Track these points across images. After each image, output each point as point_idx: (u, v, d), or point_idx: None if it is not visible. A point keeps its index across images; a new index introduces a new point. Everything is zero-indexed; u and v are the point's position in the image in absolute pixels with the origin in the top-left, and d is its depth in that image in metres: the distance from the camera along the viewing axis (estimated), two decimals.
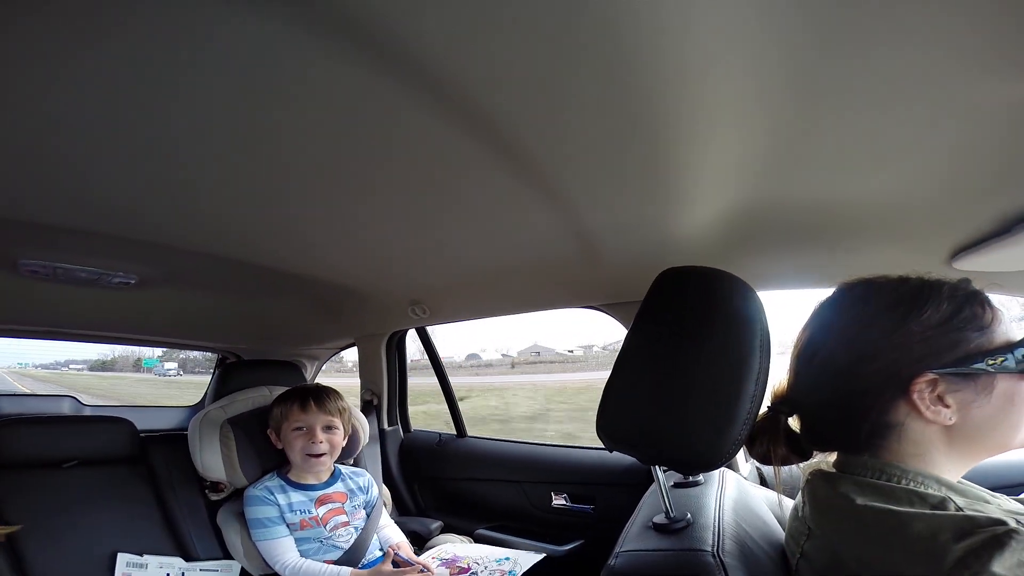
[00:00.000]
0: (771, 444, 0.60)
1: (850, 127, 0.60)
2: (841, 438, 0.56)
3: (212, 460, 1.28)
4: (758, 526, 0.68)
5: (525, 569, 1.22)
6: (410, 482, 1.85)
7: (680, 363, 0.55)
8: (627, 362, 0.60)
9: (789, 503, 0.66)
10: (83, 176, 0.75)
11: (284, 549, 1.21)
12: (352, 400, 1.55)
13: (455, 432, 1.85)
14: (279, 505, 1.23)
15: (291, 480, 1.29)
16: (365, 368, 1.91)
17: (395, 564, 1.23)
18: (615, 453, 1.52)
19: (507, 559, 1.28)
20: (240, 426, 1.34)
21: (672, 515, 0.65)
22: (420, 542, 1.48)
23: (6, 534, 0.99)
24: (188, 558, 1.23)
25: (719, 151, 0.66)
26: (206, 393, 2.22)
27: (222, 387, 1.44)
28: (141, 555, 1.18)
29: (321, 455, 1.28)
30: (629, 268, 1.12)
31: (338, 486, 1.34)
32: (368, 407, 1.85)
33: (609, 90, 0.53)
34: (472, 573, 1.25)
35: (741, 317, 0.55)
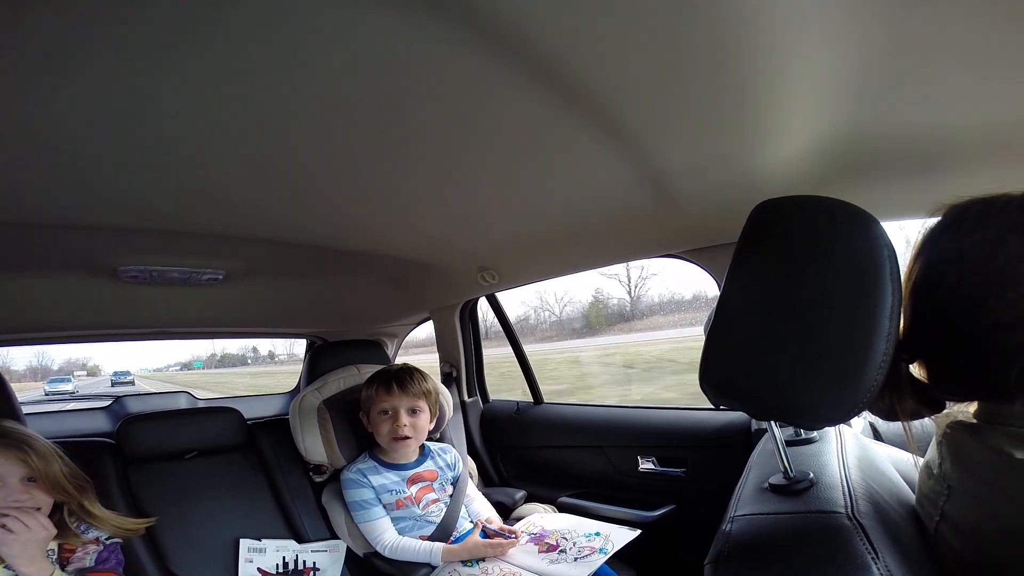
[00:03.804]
0: (895, 397, 0.53)
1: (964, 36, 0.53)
2: (983, 384, 0.49)
3: (312, 443, 1.35)
4: (886, 485, 0.62)
5: (618, 548, 1.13)
6: (492, 452, 1.87)
7: (795, 302, 0.48)
8: (730, 307, 0.53)
9: (920, 461, 0.60)
10: (173, 178, 0.78)
11: (382, 529, 1.25)
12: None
13: (532, 400, 1.85)
14: (373, 487, 1.27)
15: (383, 460, 1.32)
16: (442, 340, 1.94)
17: (485, 535, 1.24)
18: (707, 412, 1.44)
19: (597, 534, 1.21)
20: (335, 407, 1.40)
21: (791, 475, 0.60)
22: (505, 512, 1.49)
23: (146, 527, 1.09)
24: (300, 540, 1.30)
25: (806, 74, 0.60)
26: (300, 378, 2.35)
27: (314, 370, 1.51)
28: (260, 540, 1.26)
29: (406, 438, 1.28)
30: (714, 210, 1.05)
31: (428, 464, 1.36)
32: (448, 380, 1.88)
33: (677, 14, 0.48)
34: (560, 551, 1.18)
35: (863, 244, 0.46)
